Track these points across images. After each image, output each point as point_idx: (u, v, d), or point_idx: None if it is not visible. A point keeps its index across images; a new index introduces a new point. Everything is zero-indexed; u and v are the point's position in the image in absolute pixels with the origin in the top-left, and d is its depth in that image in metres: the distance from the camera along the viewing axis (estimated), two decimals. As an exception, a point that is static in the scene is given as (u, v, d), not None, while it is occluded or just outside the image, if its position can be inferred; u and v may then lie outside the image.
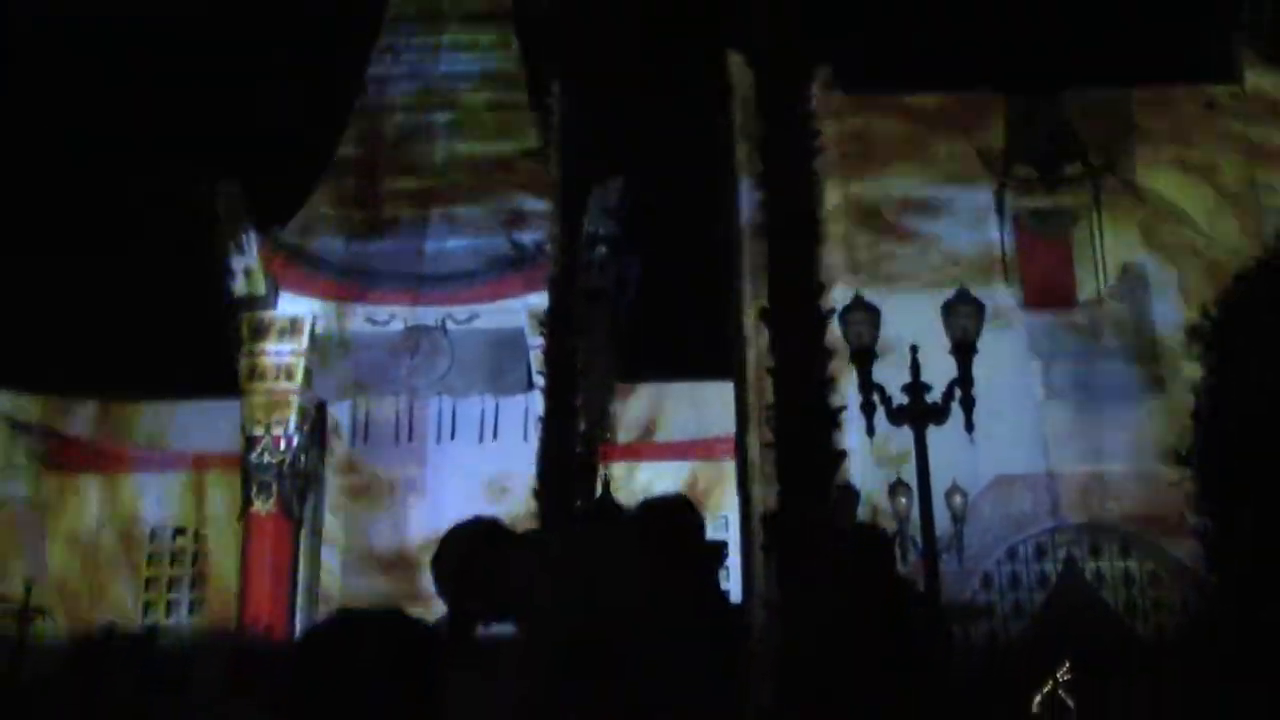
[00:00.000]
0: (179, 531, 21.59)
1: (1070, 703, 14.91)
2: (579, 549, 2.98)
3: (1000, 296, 17.65)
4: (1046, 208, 18.76)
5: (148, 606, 20.97)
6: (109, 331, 22.44)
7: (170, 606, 21.10)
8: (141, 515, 21.44)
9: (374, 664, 1.39)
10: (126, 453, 21.59)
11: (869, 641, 3.90)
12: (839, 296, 12.19)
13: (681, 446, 21.19)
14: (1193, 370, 2.75)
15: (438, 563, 3.12)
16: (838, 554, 4.57)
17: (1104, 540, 18.29)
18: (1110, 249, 18.61)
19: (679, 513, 3.36)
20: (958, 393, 10.91)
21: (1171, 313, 17.14)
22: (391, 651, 1.41)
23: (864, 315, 11.07)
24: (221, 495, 21.13)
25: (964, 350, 10.77)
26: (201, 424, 21.82)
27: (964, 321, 10.79)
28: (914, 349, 11.25)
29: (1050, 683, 15.23)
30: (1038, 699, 15.28)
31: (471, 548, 3.02)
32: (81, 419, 21.76)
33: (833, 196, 14.69)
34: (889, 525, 14.25)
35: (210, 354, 20.83)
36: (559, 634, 2.68)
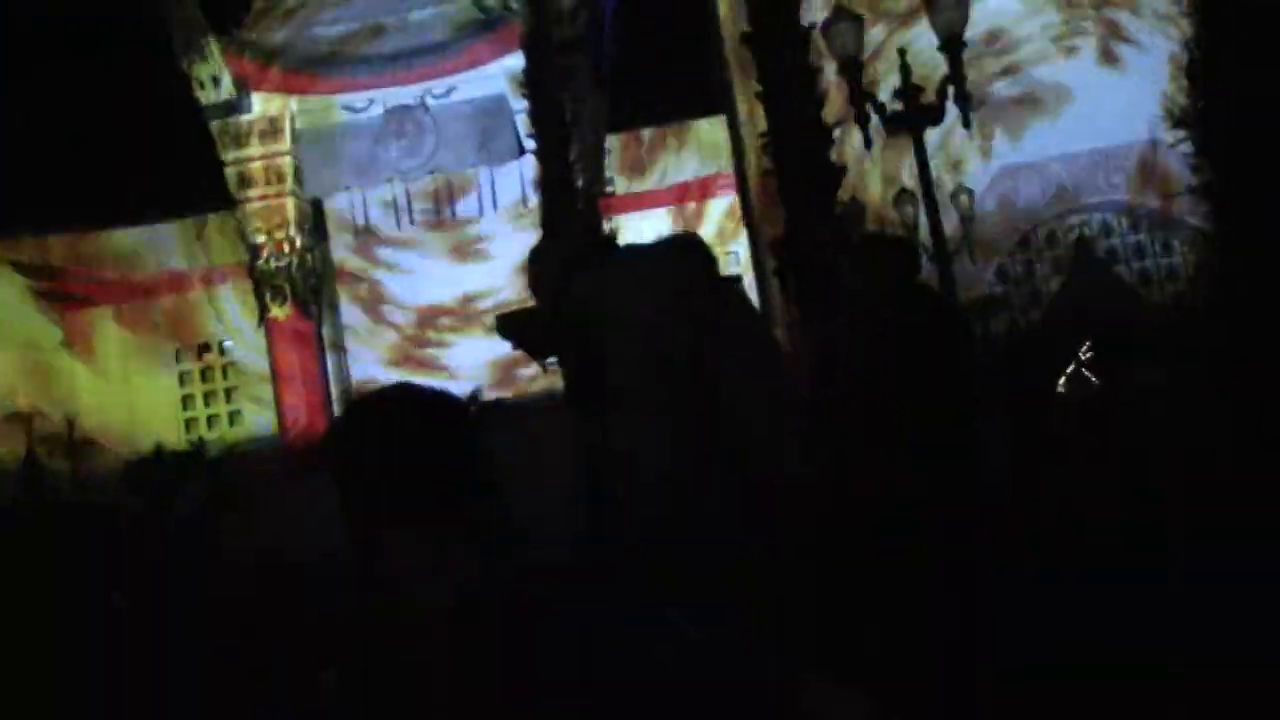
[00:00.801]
0: (204, 348, 21.90)
1: (1095, 381, 15.24)
2: (650, 269, 2.96)
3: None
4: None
5: (188, 425, 21.50)
6: (98, 163, 22.09)
7: (211, 421, 21.62)
8: (165, 336, 21.71)
9: (422, 428, 1.43)
10: (139, 279, 21.68)
11: (895, 348, 3.95)
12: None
13: (680, 189, 21.05)
14: (1185, 26, 2.67)
15: (535, 279, 3.09)
16: (854, 267, 4.56)
17: (1113, 217, 18.34)
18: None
19: (702, 244, 3.36)
20: (951, 90, 10.68)
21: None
22: (439, 415, 1.45)
23: (847, 25, 10.73)
24: (238, 307, 21.30)
25: (953, 43, 10.47)
26: (204, 241, 21.82)
27: (950, 13, 10.44)
28: (902, 51, 10.99)
29: (1073, 363, 15.53)
30: (1062, 381, 15.62)
31: (567, 264, 2.99)
32: (90, 254, 21.75)
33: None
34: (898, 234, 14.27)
35: (199, 167, 20.55)
36: (666, 347, 2.69)
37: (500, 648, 1.33)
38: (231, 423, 21.48)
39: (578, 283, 2.88)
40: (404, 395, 1.48)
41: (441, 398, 1.49)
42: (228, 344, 21.79)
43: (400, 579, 1.38)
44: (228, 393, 21.75)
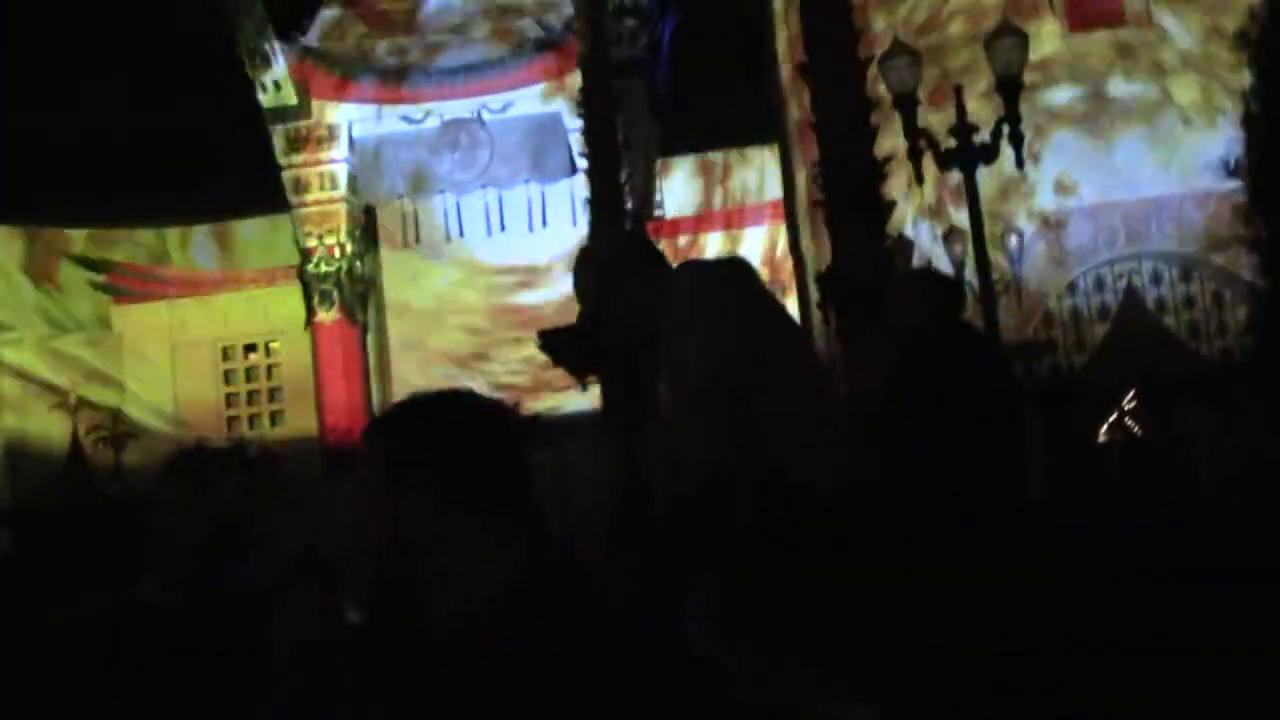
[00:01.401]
0: (250, 348, 22.18)
1: (1137, 429, 15.12)
2: (708, 280, 3.00)
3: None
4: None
5: (231, 422, 21.75)
6: (154, 158, 22.45)
7: (252, 420, 21.86)
8: (212, 335, 22.00)
9: (472, 433, 1.53)
10: (190, 276, 22.01)
11: (933, 384, 3.96)
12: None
13: (730, 214, 21.13)
14: (1242, 80, 2.66)
15: (580, 279, 3.08)
16: (899, 302, 4.58)
17: (1163, 265, 18.18)
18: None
19: (752, 268, 3.42)
20: (1006, 130, 10.67)
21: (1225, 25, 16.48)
22: (486, 424, 1.55)
23: (905, 60, 10.76)
24: (286, 308, 21.55)
25: (1010, 85, 10.47)
26: (258, 242, 22.17)
27: (1007, 55, 10.44)
28: (958, 88, 10.98)
29: (1116, 411, 15.42)
30: (1104, 428, 15.52)
31: (619, 266, 2.99)
32: (142, 248, 22.12)
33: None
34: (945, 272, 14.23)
35: (258, 170, 20.85)
36: (722, 356, 2.74)
37: (546, 633, 1.39)
38: (273, 422, 21.72)
39: (623, 292, 2.91)
40: (471, 395, 1.59)
41: (499, 404, 1.60)
42: (273, 344, 22.06)
43: (459, 563, 1.46)
44: (271, 392, 22.00)
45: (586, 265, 3.12)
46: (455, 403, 1.56)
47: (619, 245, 3.15)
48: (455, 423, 1.53)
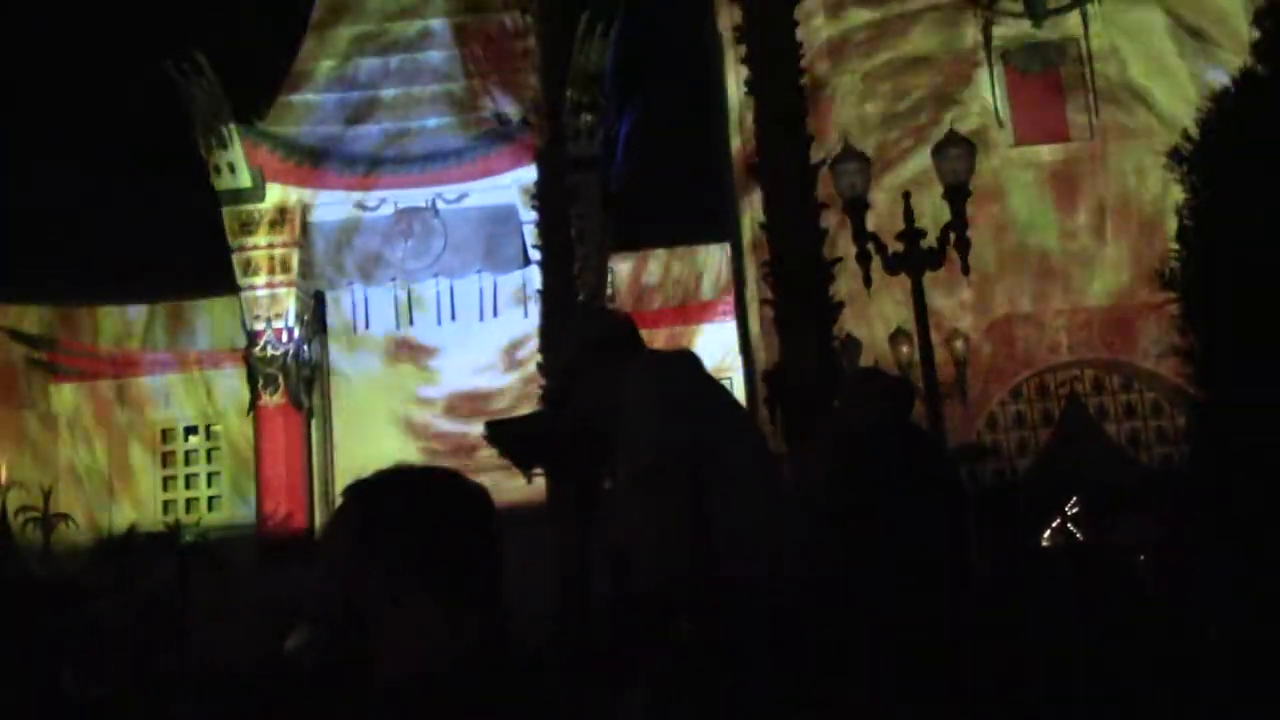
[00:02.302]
0: (191, 430, 21.84)
1: (1079, 535, 15.20)
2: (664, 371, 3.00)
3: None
4: (1034, 42, 18.47)
5: (167, 505, 21.32)
6: (101, 237, 22.32)
7: (189, 505, 21.44)
8: (153, 417, 21.66)
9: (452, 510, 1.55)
10: (132, 356, 21.71)
11: (877, 483, 3.95)
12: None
13: (681, 311, 21.24)
14: (1177, 194, 2.76)
15: (557, 354, 3.07)
16: (847, 403, 4.59)
17: (1105, 374, 18.48)
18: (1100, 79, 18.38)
19: (695, 357, 3.42)
20: (953, 236, 10.87)
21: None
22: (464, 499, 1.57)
23: (855, 165, 10.98)
24: (230, 392, 21.30)
25: (957, 192, 10.70)
26: (204, 323, 21.96)
27: (955, 164, 10.69)
28: (906, 195, 11.20)
29: (1058, 517, 15.50)
30: (1046, 533, 15.58)
31: (595, 350, 2.96)
32: (82, 326, 21.82)
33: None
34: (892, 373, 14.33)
35: (206, 252, 20.75)
36: (670, 441, 2.73)
37: (486, 713, 1.40)
38: (210, 507, 21.31)
39: (594, 377, 2.90)
40: (437, 471, 1.60)
41: (466, 480, 1.59)
42: (214, 428, 21.73)
43: (411, 636, 1.46)
44: (209, 477, 21.62)
45: (567, 342, 3.12)
46: (438, 481, 1.57)
47: (598, 326, 3.12)
48: (433, 502, 1.54)
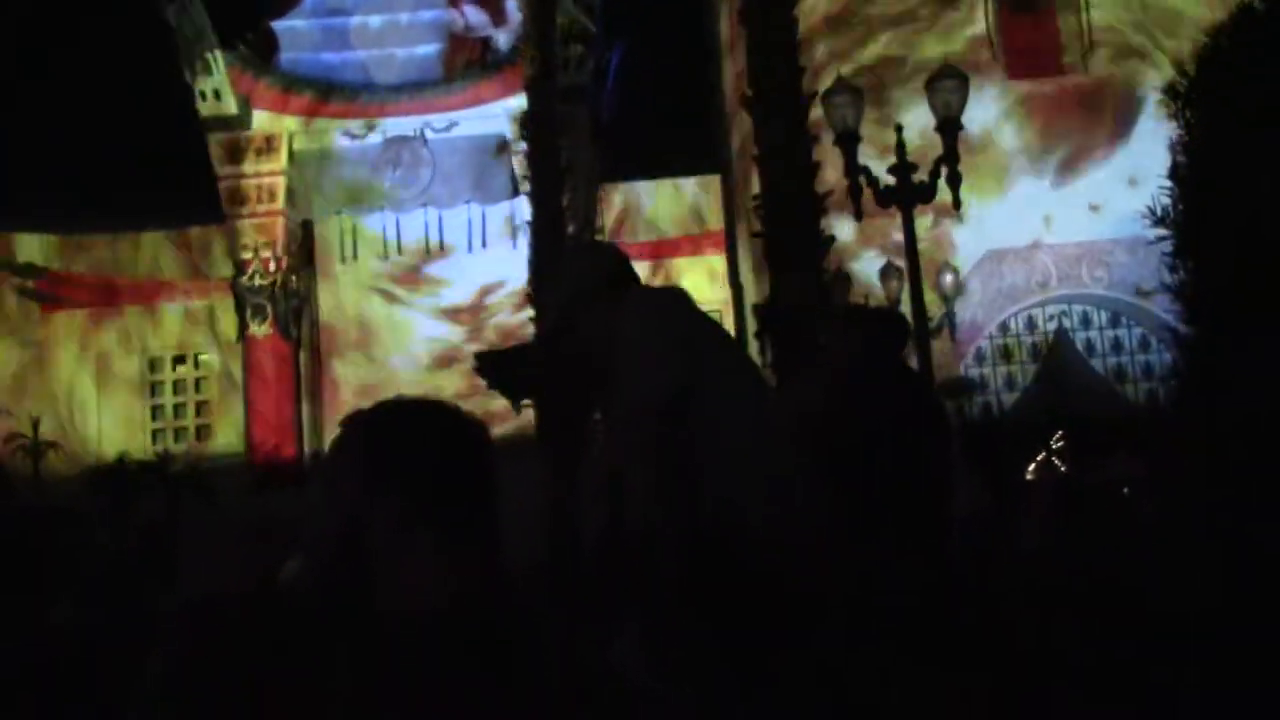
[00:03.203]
0: (179, 360, 21.82)
1: (1063, 469, 15.34)
2: (658, 307, 3.01)
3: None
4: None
5: (155, 435, 21.36)
6: (89, 165, 22.13)
7: (178, 434, 21.48)
8: (140, 346, 21.61)
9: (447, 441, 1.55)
10: (120, 285, 21.61)
11: (863, 418, 3.97)
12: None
13: (671, 243, 21.19)
14: (1170, 130, 2.75)
15: (553, 290, 3.06)
16: (836, 337, 4.61)
17: (1093, 309, 18.53)
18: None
19: (684, 293, 3.43)
20: (944, 170, 10.82)
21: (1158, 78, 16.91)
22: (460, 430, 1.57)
23: (847, 98, 10.88)
24: (218, 321, 21.26)
25: (950, 126, 10.63)
26: (192, 253, 21.83)
27: (948, 96, 10.61)
28: (899, 128, 11.13)
29: (1043, 451, 15.63)
30: (1031, 467, 15.72)
31: (591, 285, 2.97)
32: (71, 255, 21.69)
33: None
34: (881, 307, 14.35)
35: (195, 180, 20.59)
36: (665, 388, 2.74)
37: (484, 648, 1.41)
38: (199, 436, 21.36)
39: (591, 314, 2.90)
40: (436, 404, 1.58)
41: (465, 414, 1.58)
42: (203, 358, 21.72)
43: (413, 571, 1.46)
44: (198, 406, 21.64)
45: (563, 275, 3.12)
46: (437, 414, 1.56)
47: (603, 266, 3.11)
48: (434, 434, 1.53)
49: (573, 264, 3.47)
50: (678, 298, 3.09)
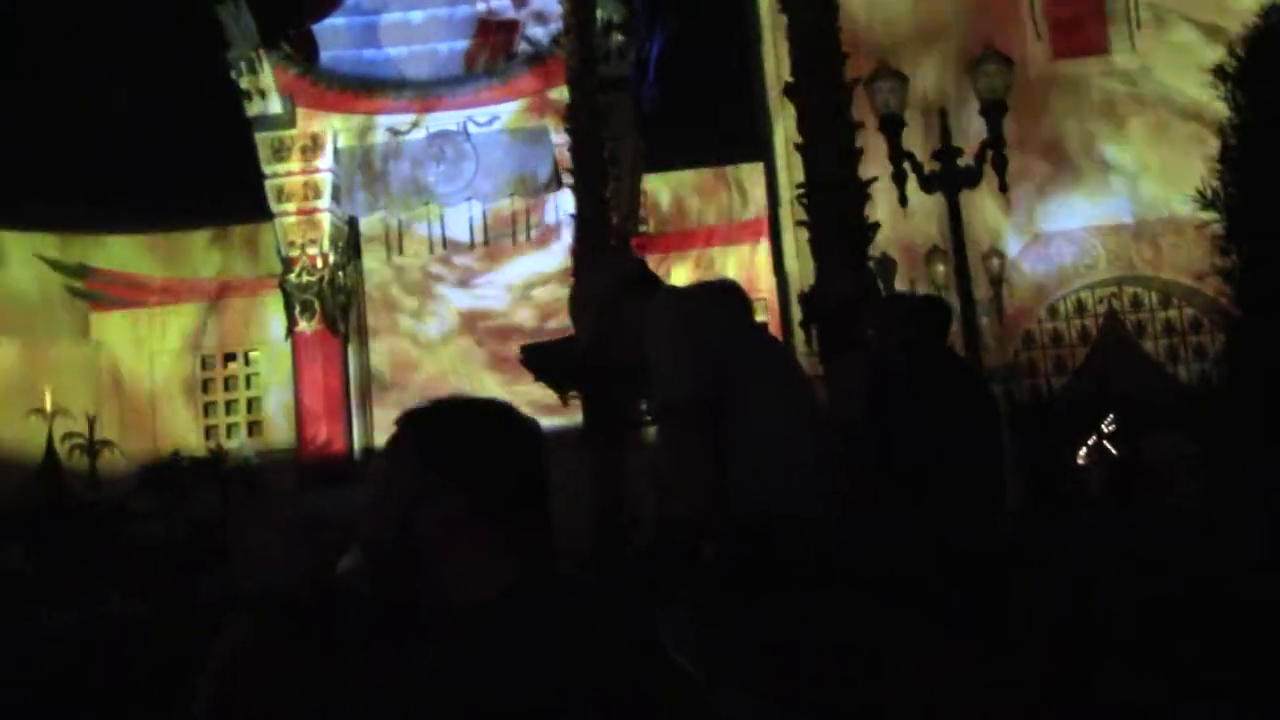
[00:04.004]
0: (230, 357, 22.10)
1: (1115, 453, 15.18)
2: (696, 303, 3.04)
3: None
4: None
5: (208, 431, 21.65)
6: (138, 163, 22.40)
7: (229, 430, 21.76)
8: (192, 343, 21.91)
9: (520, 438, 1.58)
10: (170, 284, 21.91)
11: (910, 405, 3.96)
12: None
13: (715, 232, 21.16)
14: (1221, 111, 2.70)
15: (577, 306, 3.09)
16: (879, 324, 4.58)
17: (1143, 291, 18.30)
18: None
19: (740, 290, 3.45)
20: (990, 154, 10.72)
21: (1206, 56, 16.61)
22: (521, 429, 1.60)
23: (891, 83, 10.81)
24: (267, 318, 21.50)
25: (994, 109, 10.53)
26: (240, 250, 22.11)
27: (993, 80, 10.52)
28: (943, 112, 11.04)
29: (1095, 435, 15.48)
30: (1083, 451, 15.57)
31: (618, 293, 3.00)
32: (122, 254, 22.01)
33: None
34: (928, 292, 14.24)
35: (243, 179, 20.80)
36: (694, 380, 2.77)
37: (537, 640, 1.43)
38: (251, 432, 21.62)
39: (622, 319, 2.93)
40: (490, 401, 1.63)
41: (518, 411, 1.63)
42: (253, 355, 21.99)
43: (467, 563, 1.49)
44: (249, 402, 21.91)
45: (584, 292, 3.13)
46: (492, 411, 1.61)
47: (619, 273, 3.14)
48: (492, 430, 1.58)
49: (609, 265, 3.52)
50: (706, 293, 3.11)
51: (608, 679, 1.41)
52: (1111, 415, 15.16)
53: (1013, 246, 17.64)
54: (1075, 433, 15.09)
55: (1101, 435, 15.49)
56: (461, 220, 20.98)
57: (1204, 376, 16.76)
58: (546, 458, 1.59)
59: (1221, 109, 2.98)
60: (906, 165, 10.84)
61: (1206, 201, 2.93)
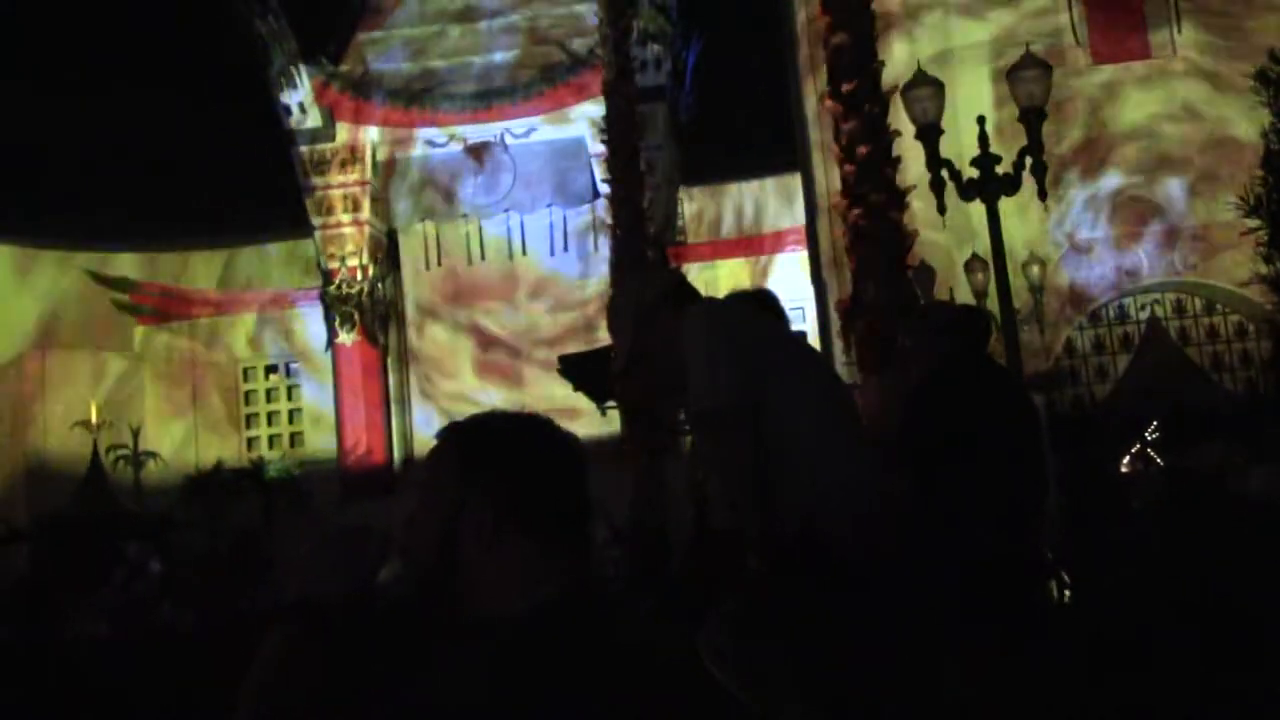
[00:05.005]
0: (271, 369, 22.29)
1: (1160, 461, 14.98)
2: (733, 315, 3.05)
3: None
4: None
5: (250, 442, 21.84)
6: (181, 181, 22.67)
7: (271, 441, 21.94)
8: (234, 356, 22.13)
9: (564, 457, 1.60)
10: (212, 297, 22.14)
11: (951, 415, 3.93)
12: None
13: (752, 242, 21.13)
14: (1262, 118, 2.66)
15: (616, 319, 3.11)
16: (917, 332, 4.55)
17: (1186, 297, 18.09)
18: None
19: (775, 300, 3.45)
20: (1028, 161, 10.64)
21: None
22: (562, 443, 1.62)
23: (928, 90, 10.75)
24: (308, 330, 21.68)
25: (1033, 116, 10.45)
26: (282, 263, 22.31)
27: (1031, 86, 10.43)
28: (981, 119, 10.96)
29: (1138, 443, 15.29)
30: (1126, 459, 15.39)
31: (656, 306, 3.03)
32: (165, 269, 22.27)
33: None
34: (967, 302, 14.15)
35: (282, 192, 21.02)
36: (728, 390, 2.79)
37: (576, 651, 1.44)
38: (292, 443, 21.79)
39: (660, 332, 2.94)
40: (532, 417, 1.64)
41: (559, 427, 1.64)
42: (294, 366, 22.17)
43: (506, 575, 1.51)
44: (290, 414, 22.09)
45: (623, 303, 3.15)
46: (534, 426, 1.62)
47: (657, 284, 3.16)
48: (532, 445, 1.59)
49: (646, 279, 3.52)
50: (740, 305, 3.11)
51: (642, 694, 1.42)
52: (1156, 423, 14.97)
53: (1053, 253, 17.49)
54: (1119, 441, 14.91)
55: (1145, 443, 15.30)
56: (500, 231, 21.08)
57: (1250, 383, 16.55)
58: (586, 469, 1.60)
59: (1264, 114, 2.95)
60: (944, 173, 10.77)
61: (1250, 208, 2.90)
